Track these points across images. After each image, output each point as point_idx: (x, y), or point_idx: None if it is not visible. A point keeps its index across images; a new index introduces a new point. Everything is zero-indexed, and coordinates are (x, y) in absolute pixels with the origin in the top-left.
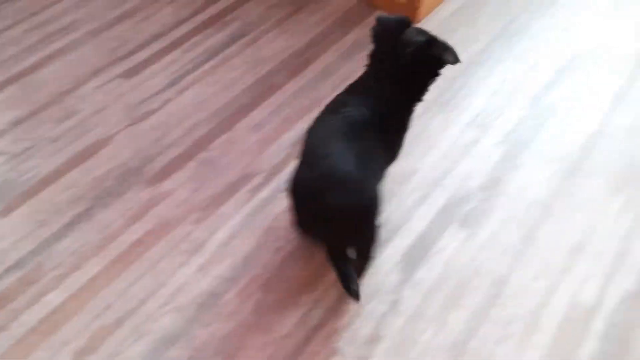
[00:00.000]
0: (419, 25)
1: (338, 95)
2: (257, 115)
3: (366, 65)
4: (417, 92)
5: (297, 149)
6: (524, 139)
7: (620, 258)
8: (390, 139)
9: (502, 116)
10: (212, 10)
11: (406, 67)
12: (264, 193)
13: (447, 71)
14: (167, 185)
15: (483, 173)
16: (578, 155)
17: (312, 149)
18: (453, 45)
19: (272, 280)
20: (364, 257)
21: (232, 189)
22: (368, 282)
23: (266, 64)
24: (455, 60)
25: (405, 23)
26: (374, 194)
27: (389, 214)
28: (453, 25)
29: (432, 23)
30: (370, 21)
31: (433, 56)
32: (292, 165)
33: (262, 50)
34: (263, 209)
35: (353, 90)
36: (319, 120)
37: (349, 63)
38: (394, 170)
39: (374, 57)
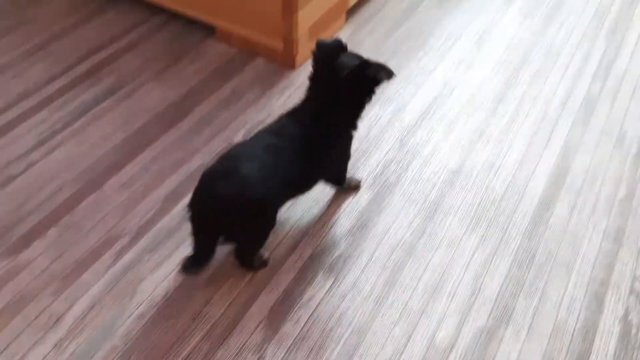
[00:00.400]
0: (296, 71)
1: (279, 116)
2: (127, 172)
3: (307, 89)
4: (353, 112)
5: (168, 204)
6: (390, 181)
7: (474, 295)
8: (319, 159)
9: (370, 159)
10: (87, 64)
11: (342, 88)
12: (129, 255)
13: None
14: (25, 255)
15: (351, 218)
16: (438, 194)
17: (229, 151)
18: None
19: (134, 350)
20: (238, 256)
21: (95, 254)
22: (231, 343)
23: (140, 118)
24: (389, 76)
25: (341, 47)
26: (260, 197)
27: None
28: None
29: (309, 69)
30: (250, 68)
31: (368, 77)
32: (161, 223)
33: (138, 103)
34: (127, 273)
35: (293, 111)
36: (253, 135)
37: (226, 112)
38: None
39: (312, 80)
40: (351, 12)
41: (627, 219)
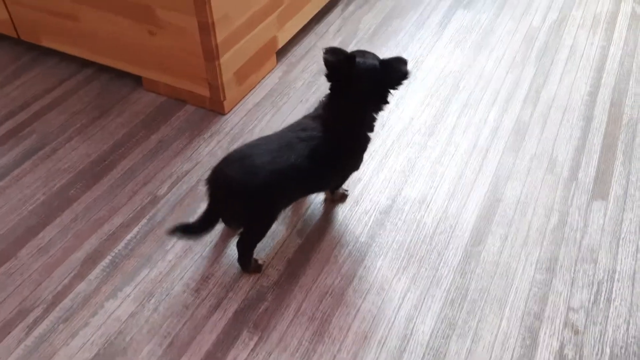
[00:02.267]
0: (226, 115)
1: (303, 117)
2: (44, 236)
3: (325, 96)
4: (374, 111)
5: (86, 268)
6: (320, 225)
7: (406, 341)
8: (337, 161)
9: (299, 202)
10: (8, 125)
11: (365, 88)
12: (43, 327)
13: None
14: None
15: (279, 267)
16: (369, 235)
17: (251, 142)
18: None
19: None
20: (238, 246)
21: (5, 328)
22: None
23: (62, 177)
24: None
25: (349, 53)
26: (263, 187)
27: (178, 330)
28: (259, 113)
29: (239, 113)
30: (178, 116)
31: (392, 72)
32: (77, 288)
33: (60, 162)
34: (39, 347)
35: (316, 114)
36: (277, 132)
37: (151, 165)
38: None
39: (332, 84)
40: (282, 52)
41: (560, 248)
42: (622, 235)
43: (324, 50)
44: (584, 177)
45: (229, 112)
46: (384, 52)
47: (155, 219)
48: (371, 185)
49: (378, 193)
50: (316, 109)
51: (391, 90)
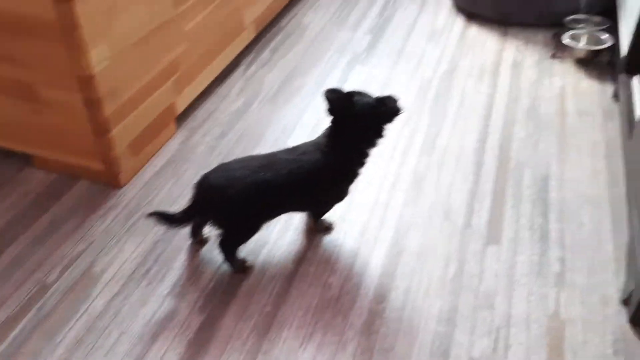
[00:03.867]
0: (123, 189)
1: (303, 143)
2: None
3: (327, 127)
4: (367, 147)
5: None
6: (223, 299)
7: None
8: (324, 188)
9: (201, 276)
10: None
11: (361, 124)
12: None
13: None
14: None
15: (181, 347)
16: (273, 304)
17: (243, 157)
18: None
19: None
20: (219, 245)
21: None
22: None
23: None
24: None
25: (348, 92)
26: (237, 199)
27: None
28: (159, 183)
29: (137, 185)
30: (72, 193)
31: (386, 109)
32: None
33: None
34: None
35: (316, 141)
36: (272, 152)
37: (41, 250)
38: None
39: (332, 120)
40: (181, 118)
41: (459, 297)
42: (515, 279)
43: (326, 90)
44: (477, 223)
45: (125, 185)
46: (287, 110)
47: (44, 310)
48: (277, 249)
49: (284, 257)
50: (319, 136)
51: (385, 126)
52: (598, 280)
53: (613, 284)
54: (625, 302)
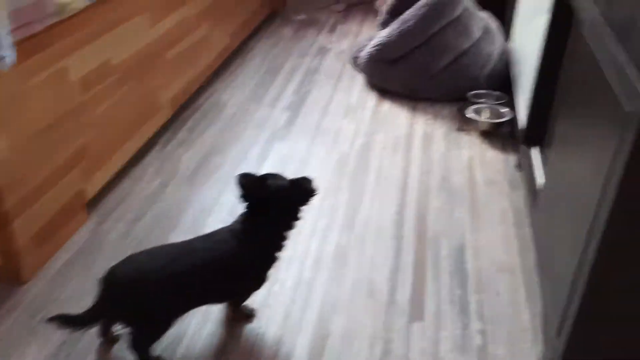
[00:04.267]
0: (26, 285)
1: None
2: None
3: (241, 214)
4: (283, 230)
5: None
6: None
7: None
8: (241, 274)
9: None
10: None
11: (276, 207)
12: None
13: None
14: None
15: None
16: None
17: (153, 248)
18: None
19: None
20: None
21: None
22: None
23: None
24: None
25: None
26: (146, 290)
27: None
28: (68, 276)
29: (42, 280)
30: None
31: (302, 191)
32: None
33: None
34: None
35: (231, 227)
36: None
37: None
38: None
39: (246, 204)
40: (92, 204)
41: None
42: (440, 355)
43: (238, 175)
44: (401, 299)
45: (28, 280)
46: (205, 191)
47: None
48: (195, 342)
49: (203, 351)
50: (234, 222)
51: (301, 207)
52: (518, 350)
53: (532, 354)
54: None
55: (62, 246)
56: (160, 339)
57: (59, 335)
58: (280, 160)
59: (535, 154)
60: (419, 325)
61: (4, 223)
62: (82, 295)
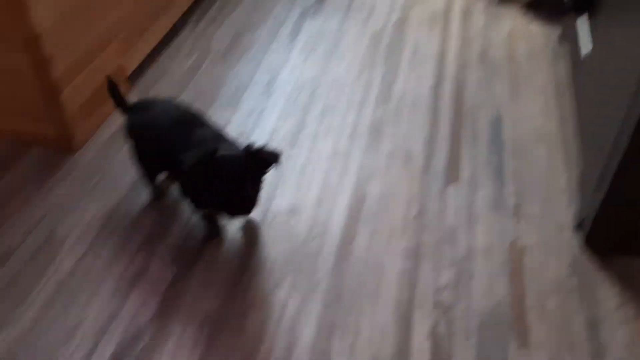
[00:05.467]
0: (77, 153)
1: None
2: None
3: None
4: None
5: None
6: (192, 254)
7: (290, 349)
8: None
9: (168, 230)
10: None
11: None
12: None
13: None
14: None
15: (156, 301)
16: (242, 255)
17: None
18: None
19: None
20: None
21: None
22: None
23: None
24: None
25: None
26: (130, 129)
27: None
28: (114, 147)
29: (93, 149)
30: (24, 161)
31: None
32: None
33: None
34: None
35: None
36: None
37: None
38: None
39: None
40: (133, 78)
41: (423, 234)
42: (476, 213)
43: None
44: (437, 165)
45: (80, 149)
46: (239, 68)
47: (9, 273)
48: None
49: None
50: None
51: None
52: (553, 210)
53: (567, 213)
54: (578, 227)
55: (107, 119)
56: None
57: (116, 194)
58: (312, 39)
59: (581, 22)
60: (454, 187)
61: (55, 92)
62: (129, 166)
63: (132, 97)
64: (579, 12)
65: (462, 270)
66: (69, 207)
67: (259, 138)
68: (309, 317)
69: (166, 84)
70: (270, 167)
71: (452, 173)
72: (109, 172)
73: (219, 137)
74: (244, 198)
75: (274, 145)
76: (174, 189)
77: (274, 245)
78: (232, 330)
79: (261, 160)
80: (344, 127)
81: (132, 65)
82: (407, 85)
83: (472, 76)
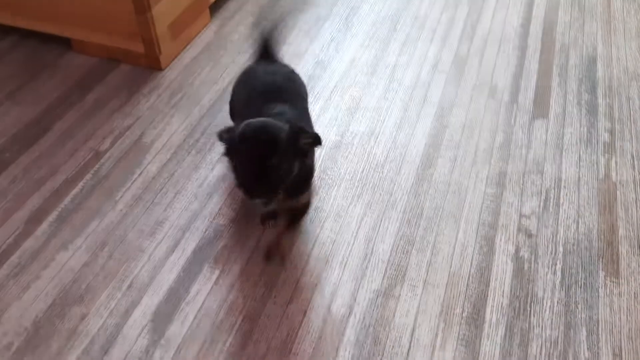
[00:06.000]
0: (164, 71)
1: None
2: None
3: None
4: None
5: (31, 225)
6: None
7: (367, 260)
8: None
9: None
10: None
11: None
12: None
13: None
14: None
15: (235, 206)
16: (320, 170)
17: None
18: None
19: None
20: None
21: None
22: (113, 355)
23: None
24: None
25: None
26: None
27: (136, 273)
28: (198, 66)
29: (177, 68)
30: (113, 75)
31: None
32: (24, 245)
33: None
34: None
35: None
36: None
37: (90, 123)
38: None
39: None
40: (215, 7)
41: (507, 163)
42: (565, 147)
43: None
44: (524, 100)
45: (166, 67)
46: (318, 1)
47: (101, 173)
48: (319, 124)
49: (326, 130)
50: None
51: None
52: None
53: None
54: None
55: (191, 42)
56: None
57: (198, 110)
58: None
59: None
60: (542, 121)
61: (145, 8)
62: (212, 82)
63: (213, 26)
64: None
65: (549, 199)
66: (154, 118)
67: (338, 66)
68: (385, 233)
69: (245, 14)
70: (307, 153)
71: (540, 108)
72: (192, 90)
73: (294, 118)
74: (256, 178)
75: (353, 74)
76: None
77: (352, 164)
78: (306, 240)
79: (297, 143)
80: (426, 59)
81: None
82: (492, 23)
83: (564, 17)
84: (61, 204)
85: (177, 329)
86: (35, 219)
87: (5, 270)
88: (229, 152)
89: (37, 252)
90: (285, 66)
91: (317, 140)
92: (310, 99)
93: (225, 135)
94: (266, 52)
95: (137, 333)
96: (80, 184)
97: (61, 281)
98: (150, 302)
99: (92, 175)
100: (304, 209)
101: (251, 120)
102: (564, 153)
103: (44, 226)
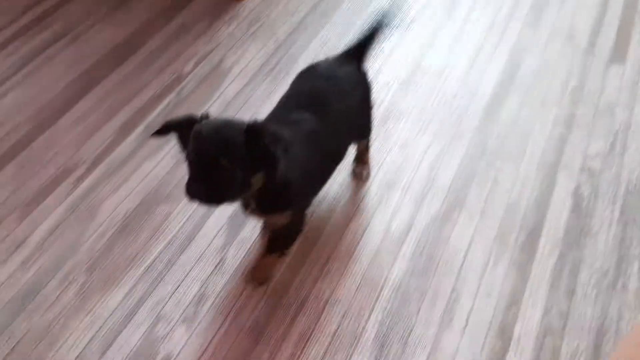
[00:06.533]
0: (243, 2)
1: None
2: (79, 108)
3: None
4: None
5: (121, 135)
6: None
7: (428, 186)
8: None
9: None
10: (33, 14)
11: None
12: (88, 182)
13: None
14: None
15: None
16: (391, 101)
17: None
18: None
19: (96, 263)
20: None
21: (55, 182)
22: (192, 249)
23: (89, 59)
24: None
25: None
26: None
27: None
28: (275, 2)
29: (255, 0)
30: (197, 2)
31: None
32: (116, 152)
33: (86, 45)
34: (86, 197)
35: None
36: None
37: (175, 46)
38: None
39: None
40: None
41: (577, 106)
42: (639, 93)
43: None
44: (602, 45)
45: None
46: None
47: (183, 92)
48: (391, 59)
49: (398, 66)
50: None
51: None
52: None
53: None
54: None
55: None
56: None
57: (274, 39)
58: None
59: None
60: (618, 66)
61: None
62: (289, 14)
63: None
64: None
65: (616, 142)
66: (233, 45)
67: (412, 5)
68: (448, 164)
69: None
70: (275, 160)
71: (618, 53)
72: (269, 21)
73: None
74: (196, 181)
75: (429, 12)
76: None
77: (421, 98)
78: (373, 163)
79: (257, 146)
80: (504, 2)
81: None
82: None
83: None
84: (148, 117)
85: (248, 234)
86: (125, 129)
87: (99, 172)
88: (183, 146)
89: (127, 158)
90: (355, 72)
91: (277, 140)
92: (384, 35)
93: (177, 128)
94: (358, 49)
95: (214, 234)
96: (166, 101)
97: (148, 184)
98: (225, 208)
99: (175, 95)
100: (286, 231)
101: (213, 118)
102: (637, 98)
103: (133, 136)
